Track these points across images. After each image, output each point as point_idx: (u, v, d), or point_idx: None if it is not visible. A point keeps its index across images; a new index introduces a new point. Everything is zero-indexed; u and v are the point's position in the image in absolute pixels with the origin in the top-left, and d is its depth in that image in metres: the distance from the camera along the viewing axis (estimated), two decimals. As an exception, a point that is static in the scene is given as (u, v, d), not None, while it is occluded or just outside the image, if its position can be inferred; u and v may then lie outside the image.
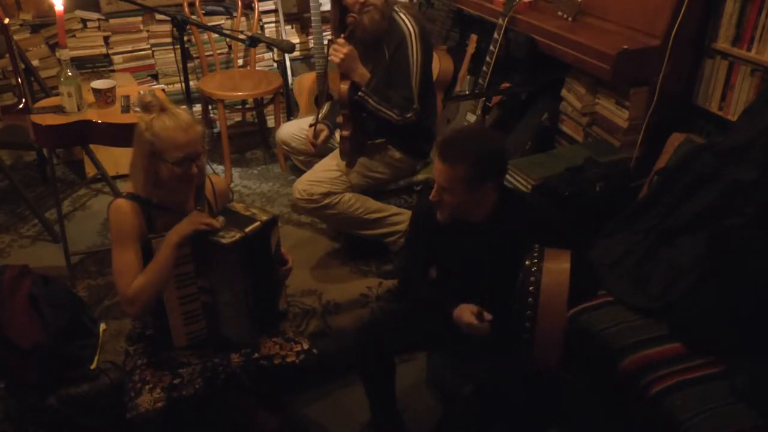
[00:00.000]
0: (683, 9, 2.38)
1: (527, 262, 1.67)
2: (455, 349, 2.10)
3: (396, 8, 2.53)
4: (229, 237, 1.75)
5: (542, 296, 1.62)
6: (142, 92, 2.35)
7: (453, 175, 1.74)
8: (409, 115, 2.53)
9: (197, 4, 3.69)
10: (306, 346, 1.96)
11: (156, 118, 1.73)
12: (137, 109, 1.79)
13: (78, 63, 3.58)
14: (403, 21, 2.50)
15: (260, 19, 3.88)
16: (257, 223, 1.82)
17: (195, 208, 1.88)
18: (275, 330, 1.98)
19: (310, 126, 2.84)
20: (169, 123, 1.72)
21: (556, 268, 1.65)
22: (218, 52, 3.82)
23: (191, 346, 1.88)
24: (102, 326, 2.39)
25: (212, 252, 1.77)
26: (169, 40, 3.71)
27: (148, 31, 3.74)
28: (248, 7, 3.84)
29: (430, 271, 2.07)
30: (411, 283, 2.02)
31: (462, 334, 1.91)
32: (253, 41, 2.63)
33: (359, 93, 2.52)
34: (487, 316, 1.77)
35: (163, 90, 3.65)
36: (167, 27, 3.68)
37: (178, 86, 3.82)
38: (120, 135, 2.51)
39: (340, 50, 2.46)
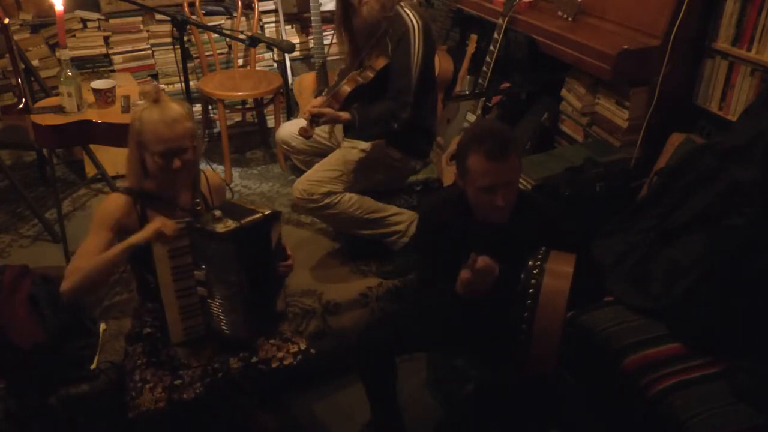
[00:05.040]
0: (683, 9, 2.38)
1: (530, 263, 1.66)
2: (455, 350, 2.10)
3: (402, 4, 2.55)
4: (225, 226, 1.75)
5: (541, 298, 1.61)
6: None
7: (517, 165, 1.76)
8: (404, 115, 2.54)
9: (197, 4, 3.69)
10: (303, 346, 1.95)
11: (146, 109, 1.78)
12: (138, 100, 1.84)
13: (78, 63, 3.57)
14: (408, 15, 2.53)
15: (260, 19, 3.88)
16: (256, 215, 1.82)
17: (192, 203, 1.89)
18: (273, 330, 1.98)
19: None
20: (156, 116, 1.76)
21: (558, 270, 1.64)
22: (218, 52, 3.83)
23: (188, 342, 1.88)
24: (102, 326, 2.38)
25: (208, 241, 1.76)
26: (169, 40, 3.71)
27: (148, 31, 3.74)
28: (248, 7, 3.84)
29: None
30: (428, 283, 1.96)
31: (465, 333, 1.90)
32: (253, 41, 2.63)
33: (357, 128, 2.60)
34: (480, 260, 1.66)
35: (163, 90, 3.66)
36: (167, 27, 3.68)
37: (178, 86, 3.83)
38: (120, 135, 2.49)
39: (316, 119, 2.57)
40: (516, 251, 1.73)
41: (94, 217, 1.84)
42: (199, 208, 1.89)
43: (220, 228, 1.74)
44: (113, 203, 1.85)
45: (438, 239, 1.93)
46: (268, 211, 1.85)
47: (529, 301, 1.62)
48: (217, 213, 1.78)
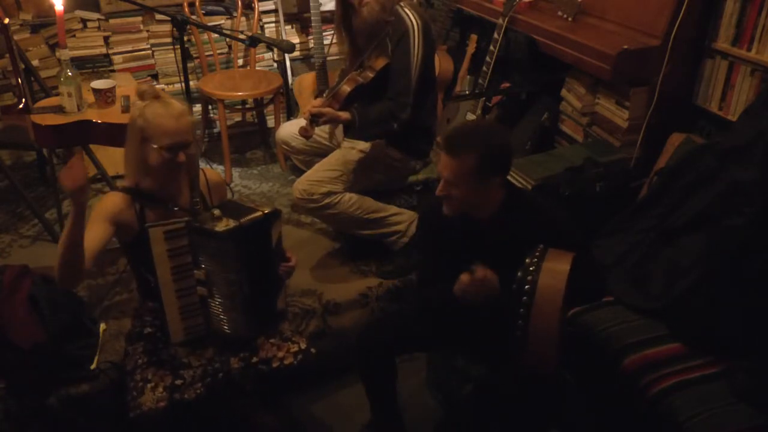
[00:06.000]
0: (683, 9, 2.38)
1: (527, 260, 1.67)
2: (455, 349, 2.10)
3: (402, 4, 2.55)
4: (223, 225, 1.75)
5: (537, 296, 1.62)
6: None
7: (461, 168, 1.72)
8: (404, 116, 2.54)
9: (197, 4, 3.69)
10: (303, 346, 1.96)
11: (148, 105, 1.79)
12: (136, 99, 1.83)
13: (78, 63, 3.57)
14: (408, 15, 2.53)
15: (260, 19, 3.88)
16: (256, 213, 1.82)
17: (190, 201, 1.89)
18: (274, 330, 1.98)
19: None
20: (160, 110, 1.78)
21: (554, 268, 1.65)
22: (218, 52, 3.83)
23: (189, 342, 1.88)
24: (102, 326, 2.39)
25: (207, 241, 1.76)
26: (169, 40, 3.71)
27: (148, 31, 3.74)
28: (248, 7, 3.84)
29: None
30: (429, 282, 1.98)
31: (465, 332, 1.90)
32: (253, 41, 2.63)
33: (357, 127, 2.59)
34: (480, 271, 1.70)
35: (163, 90, 3.65)
36: (167, 27, 3.68)
37: (178, 86, 3.83)
38: (120, 135, 2.46)
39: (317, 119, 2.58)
40: (515, 251, 1.73)
41: (92, 213, 1.83)
42: (197, 207, 1.89)
43: (220, 227, 1.74)
44: (111, 199, 1.85)
45: (437, 239, 1.93)
46: (268, 210, 1.85)
47: (524, 299, 1.62)
48: (216, 212, 1.78)
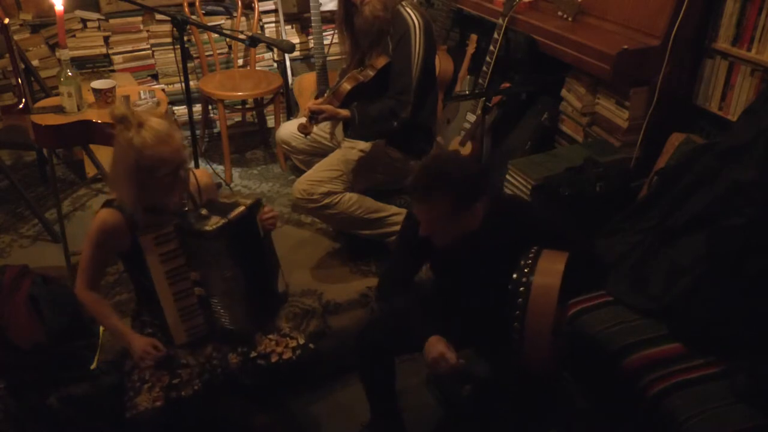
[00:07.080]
0: (683, 9, 2.38)
1: (522, 262, 1.67)
2: (456, 349, 2.10)
3: (403, 3, 2.56)
4: (212, 224, 1.74)
5: (532, 296, 1.62)
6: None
7: (438, 212, 1.72)
8: (404, 114, 2.54)
9: (197, 4, 3.69)
10: (302, 341, 1.96)
11: (136, 137, 1.69)
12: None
13: (78, 63, 3.58)
14: (409, 15, 2.53)
15: (260, 19, 3.89)
16: (241, 208, 1.82)
17: (180, 203, 1.87)
18: (272, 320, 1.98)
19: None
20: (151, 139, 1.68)
21: (549, 268, 1.65)
22: (218, 52, 3.83)
23: (192, 342, 1.88)
24: (102, 326, 2.39)
25: (198, 241, 1.76)
26: (169, 40, 3.71)
27: (148, 31, 3.74)
28: (248, 7, 3.84)
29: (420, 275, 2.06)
30: (388, 288, 2.01)
31: (465, 333, 1.91)
32: (253, 41, 2.63)
33: (357, 124, 2.59)
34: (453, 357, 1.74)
35: (163, 90, 3.66)
36: (167, 27, 3.69)
37: (178, 86, 3.83)
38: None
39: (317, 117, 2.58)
40: (499, 256, 1.73)
41: (91, 231, 1.82)
42: (186, 208, 1.87)
43: (209, 226, 1.74)
44: (110, 224, 1.80)
45: (416, 243, 1.91)
46: (250, 201, 1.86)
47: (520, 300, 1.63)
48: (204, 211, 1.78)
